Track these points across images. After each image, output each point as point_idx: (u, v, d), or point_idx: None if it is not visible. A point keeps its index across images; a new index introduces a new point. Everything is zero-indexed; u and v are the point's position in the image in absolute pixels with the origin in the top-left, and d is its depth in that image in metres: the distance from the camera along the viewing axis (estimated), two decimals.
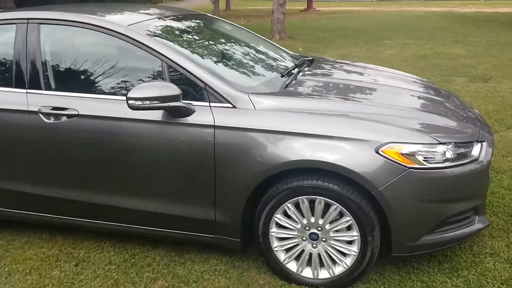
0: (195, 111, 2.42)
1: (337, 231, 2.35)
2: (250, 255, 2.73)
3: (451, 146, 2.30)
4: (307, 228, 2.39)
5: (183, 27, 3.19)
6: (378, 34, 13.02)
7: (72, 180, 2.70)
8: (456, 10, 21.61)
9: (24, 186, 2.79)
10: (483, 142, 2.45)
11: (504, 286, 2.41)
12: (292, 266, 2.48)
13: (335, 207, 2.29)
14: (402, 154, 2.21)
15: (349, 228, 2.33)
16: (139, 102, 2.34)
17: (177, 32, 3.07)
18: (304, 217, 2.37)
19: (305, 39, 12.77)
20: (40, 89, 2.71)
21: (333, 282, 2.43)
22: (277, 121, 2.35)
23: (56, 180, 2.73)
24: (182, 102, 2.38)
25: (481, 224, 2.47)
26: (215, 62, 2.83)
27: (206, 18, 3.71)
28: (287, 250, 2.48)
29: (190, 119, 2.42)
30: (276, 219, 2.41)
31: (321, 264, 2.44)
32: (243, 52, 3.25)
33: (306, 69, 3.24)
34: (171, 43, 2.70)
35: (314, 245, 2.41)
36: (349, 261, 2.38)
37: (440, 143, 2.27)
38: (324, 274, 2.44)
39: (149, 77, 2.63)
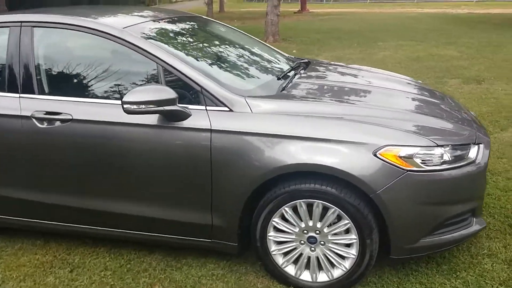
0: (191, 115, 2.40)
1: (335, 234, 2.34)
2: (247, 259, 2.71)
3: (448, 148, 2.30)
4: (305, 231, 2.38)
5: (179, 30, 3.17)
6: (372, 36, 13.06)
7: (66, 186, 2.67)
8: (449, 12, 21.75)
9: (17, 192, 2.75)
10: (480, 144, 2.45)
11: (502, 287, 2.41)
12: (291, 269, 2.47)
13: (333, 211, 2.28)
14: (400, 157, 2.20)
15: (347, 231, 2.32)
16: (135, 106, 2.31)
17: (172, 35, 3.05)
18: (302, 220, 2.36)
19: (299, 41, 12.79)
20: (33, 93, 2.68)
21: (332, 285, 2.42)
22: (274, 124, 2.34)
23: (49, 186, 2.69)
24: (178, 106, 2.35)
25: (479, 225, 2.47)
26: (211, 65, 2.81)
27: (202, 20, 3.69)
28: (285, 253, 2.47)
29: (186, 123, 2.40)
30: (274, 223, 2.40)
31: (320, 268, 2.43)
32: (239, 55, 3.23)
33: (302, 71, 3.23)
34: (167, 46, 2.68)
35: (313, 249, 2.40)
36: (347, 264, 2.36)
37: (438, 146, 2.26)
38: (322, 277, 2.43)
39: (144, 81, 2.61)
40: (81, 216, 2.71)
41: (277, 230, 2.42)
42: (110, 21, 2.79)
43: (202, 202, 2.45)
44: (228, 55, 3.15)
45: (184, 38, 3.13)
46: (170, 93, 2.32)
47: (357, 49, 10.78)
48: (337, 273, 2.40)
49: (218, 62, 2.92)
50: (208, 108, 2.42)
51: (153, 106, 2.32)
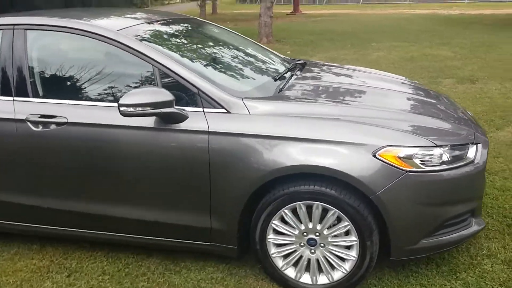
0: (188, 117, 2.38)
1: (335, 236, 2.33)
2: (247, 262, 2.69)
3: (447, 148, 2.29)
4: (305, 233, 2.36)
5: (174, 32, 3.15)
6: (365, 37, 13.11)
7: (62, 190, 2.64)
8: (441, 12, 21.89)
9: (13, 196, 2.71)
10: (478, 144, 2.45)
11: None
12: (290, 272, 2.45)
13: (333, 212, 2.27)
14: (399, 158, 2.20)
15: (347, 233, 2.31)
16: (131, 109, 2.29)
17: (168, 37, 3.02)
18: (301, 222, 2.35)
19: (293, 42, 12.80)
20: (28, 96, 2.65)
21: (332, 287, 2.40)
22: (272, 126, 2.32)
23: (45, 190, 2.66)
24: (175, 108, 2.33)
25: (478, 226, 2.47)
26: (208, 66, 2.80)
27: (197, 22, 3.67)
28: (285, 256, 2.45)
29: (184, 125, 2.38)
30: (273, 225, 2.38)
31: (320, 270, 2.41)
32: (235, 57, 3.22)
33: (298, 72, 3.22)
34: (163, 48, 2.66)
35: (312, 251, 2.39)
36: (348, 266, 2.35)
37: (437, 146, 2.26)
38: (323, 279, 2.41)
39: (140, 83, 2.59)
40: (78, 220, 2.68)
41: (277, 232, 2.41)
42: (105, 23, 2.77)
43: (201, 205, 2.43)
44: (224, 57, 3.14)
45: (179, 40, 3.11)
46: (167, 95, 2.30)
47: (351, 50, 10.80)
48: (337, 275, 2.38)
49: (215, 64, 2.91)
50: (205, 110, 2.40)
51: (150, 108, 2.29)
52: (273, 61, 3.40)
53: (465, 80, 7.05)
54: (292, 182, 2.29)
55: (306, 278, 2.44)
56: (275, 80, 2.90)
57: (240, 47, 3.41)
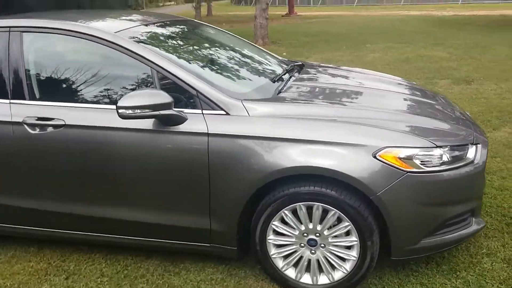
0: (187, 119, 2.37)
1: (335, 236, 2.33)
2: (246, 263, 2.68)
3: (447, 149, 2.30)
4: (305, 234, 2.36)
5: (171, 34, 3.14)
6: (360, 38, 13.14)
7: (60, 193, 2.62)
8: (435, 14, 22.00)
9: (10, 199, 2.69)
10: (478, 144, 2.46)
11: (503, 286, 2.42)
12: (291, 273, 2.45)
13: (333, 213, 2.27)
14: (400, 158, 2.20)
15: (347, 233, 2.31)
16: (130, 111, 2.28)
17: (165, 39, 3.01)
18: (302, 223, 2.34)
19: (288, 44, 12.82)
20: (24, 99, 2.63)
21: (333, 287, 2.40)
22: (272, 127, 2.32)
23: (43, 193, 2.64)
24: (173, 110, 2.33)
25: (478, 225, 2.47)
26: (207, 68, 2.79)
27: (194, 24, 3.66)
28: (285, 257, 2.44)
29: (183, 127, 2.37)
30: (273, 226, 2.37)
31: (320, 270, 2.41)
32: (234, 58, 3.21)
33: (297, 74, 3.21)
34: (161, 50, 2.65)
35: (313, 251, 2.38)
36: (348, 266, 2.35)
37: (437, 147, 2.26)
38: (323, 279, 2.41)
39: (138, 85, 2.57)
40: (77, 223, 2.67)
41: (277, 233, 2.40)
42: (102, 26, 2.76)
43: (200, 207, 2.42)
44: (222, 59, 3.13)
45: (177, 42, 3.10)
46: (166, 97, 2.29)
47: (346, 52, 10.83)
48: (337, 275, 2.38)
49: (213, 66, 2.90)
50: (204, 112, 2.39)
51: (148, 110, 2.28)
52: (271, 62, 3.40)
53: (461, 81, 7.08)
54: (292, 183, 2.28)
55: (306, 279, 2.43)
56: (274, 81, 2.90)
57: (238, 49, 3.40)
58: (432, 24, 16.78)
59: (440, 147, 2.27)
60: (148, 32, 2.92)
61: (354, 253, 2.32)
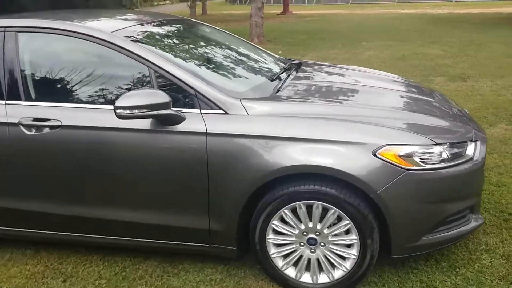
0: (185, 119, 2.36)
1: (335, 235, 2.32)
2: (246, 263, 2.67)
3: (446, 146, 2.29)
4: (305, 233, 2.35)
5: (168, 33, 3.12)
6: (356, 36, 13.16)
7: (57, 194, 2.59)
8: (429, 12, 22.07)
9: (6, 201, 2.66)
10: (477, 141, 2.46)
11: (502, 282, 2.42)
12: (291, 272, 2.44)
13: (333, 211, 2.26)
14: (400, 156, 2.19)
15: (347, 231, 2.30)
16: (127, 111, 2.26)
17: (163, 38, 3.00)
18: (301, 222, 2.33)
19: (284, 42, 12.81)
20: (20, 99, 2.60)
21: (333, 286, 2.39)
22: (271, 126, 2.31)
23: (40, 194, 2.61)
24: (172, 110, 2.31)
25: (477, 222, 2.48)
26: (204, 67, 2.77)
27: (190, 23, 3.65)
28: (285, 256, 2.43)
29: (181, 127, 2.35)
30: (273, 225, 2.36)
31: (320, 269, 2.40)
32: (231, 57, 3.19)
33: (294, 72, 3.20)
34: (158, 49, 2.63)
35: (313, 250, 2.37)
36: (348, 264, 2.34)
37: (436, 144, 2.26)
38: (323, 278, 2.40)
39: (136, 85, 2.55)
40: (75, 224, 2.64)
41: (277, 232, 2.39)
42: (98, 25, 2.73)
43: (199, 207, 2.41)
44: (220, 57, 3.11)
45: (174, 41, 3.08)
46: (164, 97, 2.27)
47: (342, 50, 10.83)
48: (338, 274, 2.37)
49: (211, 65, 2.88)
50: (202, 111, 2.37)
51: (146, 110, 2.26)
52: (268, 61, 3.39)
53: (457, 78, 7.10)
54: (291, 182, 2.27)
55: (306, 278, 2.42)
56: (272, 80, 2.89)
57: (235, 48, 3.39)
58: (427, 22, 16.82)
59: (440, 144, 2.27)
60: (145, 32, 2.90)
61: (354, 252, 2.31)
